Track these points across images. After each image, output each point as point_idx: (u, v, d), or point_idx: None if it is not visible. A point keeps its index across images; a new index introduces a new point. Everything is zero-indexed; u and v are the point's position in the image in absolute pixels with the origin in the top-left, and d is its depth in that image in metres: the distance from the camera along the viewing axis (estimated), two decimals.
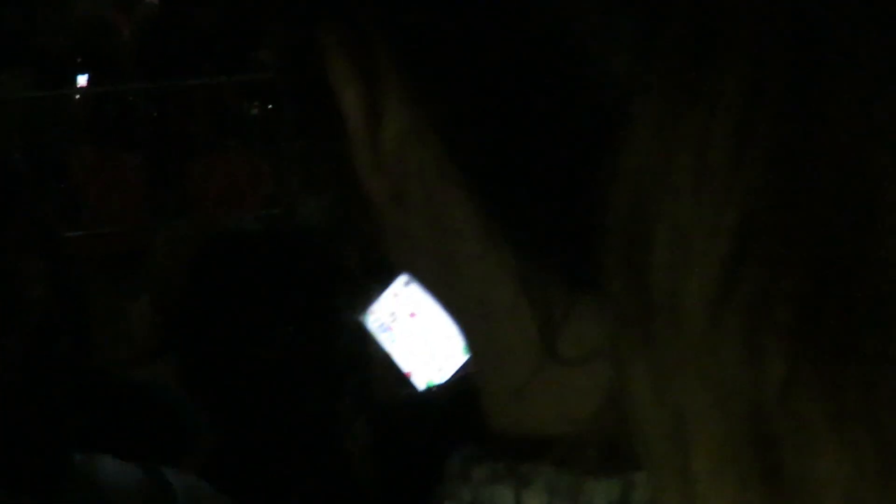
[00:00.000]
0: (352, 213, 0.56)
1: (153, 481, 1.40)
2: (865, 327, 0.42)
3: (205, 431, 2.05)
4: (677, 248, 0.44)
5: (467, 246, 0.53)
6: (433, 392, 2.45)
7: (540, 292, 0.51)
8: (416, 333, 2.52)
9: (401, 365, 2.50)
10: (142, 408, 2.06)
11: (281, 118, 6.48)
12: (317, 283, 2.03)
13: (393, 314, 2.53)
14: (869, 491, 0.41)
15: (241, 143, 6.54)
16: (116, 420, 1.92)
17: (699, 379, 0.42)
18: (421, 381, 2.60)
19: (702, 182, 0.44)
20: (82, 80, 6.77)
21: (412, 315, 2.56)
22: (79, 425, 1.36)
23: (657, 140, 0.44)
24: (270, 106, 6.80)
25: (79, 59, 6.76)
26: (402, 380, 2.49)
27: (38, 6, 7.33)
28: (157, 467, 1.44)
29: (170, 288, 2.16)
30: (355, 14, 0.51)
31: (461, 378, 2.44)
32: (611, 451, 0.47)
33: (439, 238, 0.55)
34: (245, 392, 1.99)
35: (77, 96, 6.91)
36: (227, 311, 1.98)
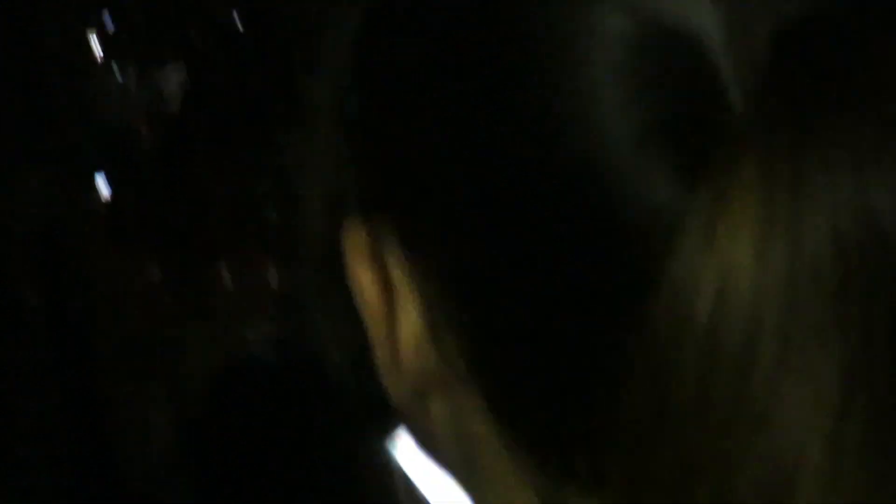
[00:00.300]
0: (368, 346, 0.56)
1: None
2: None
3: None
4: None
5: (488, 450, 0.53)
6: None
7: (559, 500, 0.50)
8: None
9: (426, 494, 2.44)
10: None
11: (302, 226, 6.46)
12: (337, 409, 1.99)
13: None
14: None
15: (262, 251, 6.54)
16: None
17: None
18: None
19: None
20: (103, 185, 6.80)
21: None
22: None
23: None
24: (291, 214, 6.81)
25: (102, 165, 6.81)
26: None
27: (54, 106, 7.40)
28: None
29: (190, 404, 2.12)
30: (373, 218, 0.48)
31: None
32: None
33: (460, 439, 0.54)
34: None
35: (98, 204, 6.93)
36: (247, 438, 1.95)
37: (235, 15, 9.76)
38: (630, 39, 0.47)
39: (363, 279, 0.53)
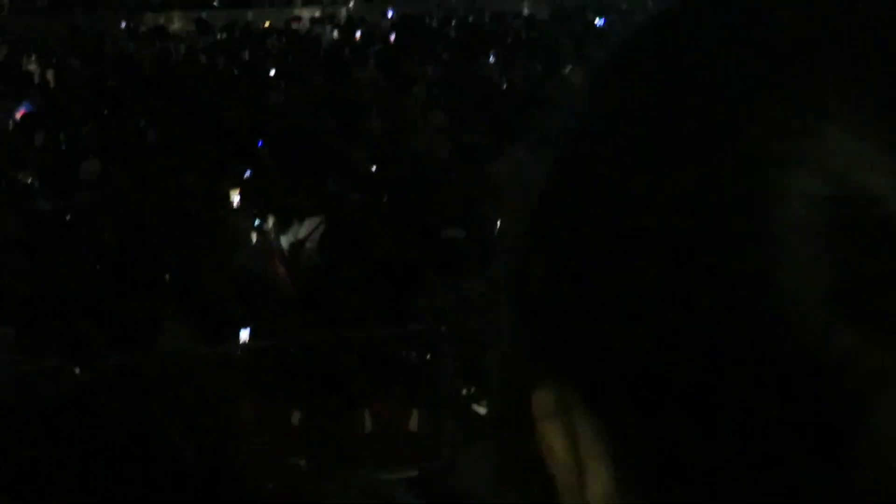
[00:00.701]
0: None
1: None
2: None
3: None
4: None
5: None
6: None
7: None
8: None
9: None
10: None
11: (440, 368, 6.46)
12: None
13: None
14: None
15: (402, 394, 6.52)
16: None
17: None
18: None
19: None
20: (244, 334, 6.85)
21: None
22: None
23: None
24: (429, 356, 6.81)
25: (240, 314, 6.88)
26: None
27: (199, 261, 7.53)
28: None
29: None
30: (560, 380, 0.52)
31: None
32: None
33: None
34: None
35: (239, 351, 6.99)
36: None
37: (373, 166, 9.95)
38: (822, 201, 0.48)
39: (552, 439, 0.54)
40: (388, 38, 16.54)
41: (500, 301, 0.59)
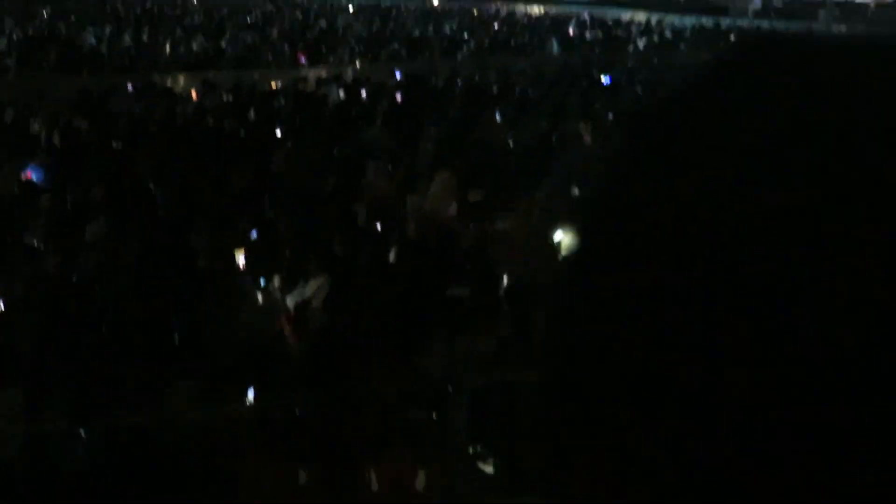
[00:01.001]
0: None
1: None
2: None
3: None
4: None
5: None
6: None
7: None
8: None
9: None
10: None
11: (448, 427, 6.44)
12: None
13: None
14: None
15: (409, 452, 6.50)
16: None
17: None
18: None
19: None
20: (251, 394, 6.83)
21: None
22: None
23: None
24: (436, 414, 6.79)
25: (247, 373, 6.87)
26: None
27: (205, 320, 7.53)
28: None
29: None
30: None
31: None
32: None
33: None
34: None
35: (246, 411, 6.97)
36: None
37: (378, 225, 9.96)
38: None
39: None
40: (394, 97, 16.61)
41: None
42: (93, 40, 23.97)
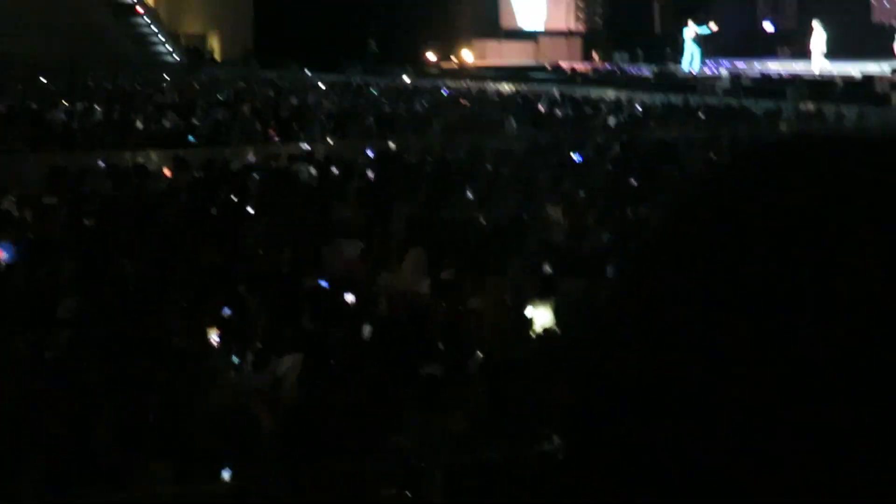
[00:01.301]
0: None
1: None
2: None
3: None
4: None
5: None
6: None
7: None
8: None
9: None
10: None
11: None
12: None
13: None
14: None
15: None
16: None
17: None
18: None
19: None
20: (226, 473, 6.80)
21: None
22: None
23: None
24: (408, 493, 6.76)
25: (221, 452, 6.84)
26: None
27: (178, 398, 7.50)
28: None
29: None
30: None
31: None
32: None
33: None
34: None
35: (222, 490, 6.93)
36: None
37: (352, 296, 9.96)
38: None
39: None
40: (365, 174, 16.66)
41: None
42: (63, 117, 24.01)
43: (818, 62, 35.65)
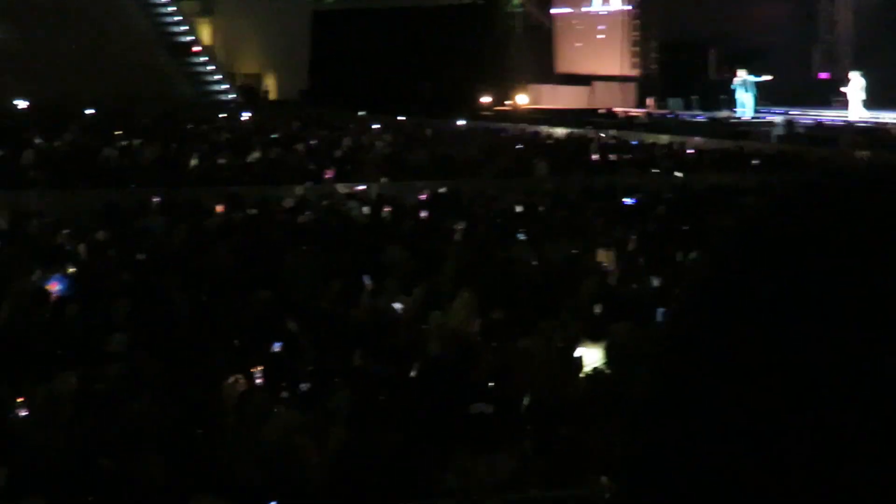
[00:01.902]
0: None
1: None
2: None
3: None
4: None
5: None
6: None
7: None
8: None
9: None
10: None
11: None
12: None
13: None
14: None
15: None
16: None
17: None
18: None
19: None
20: None
21: None
22: None
23: None
24: None
25: (268, 489, 6.83)
26: None
27: (226, 435, 7.50)
28: None
29: None
30: None
31: None
32: None
33: None
34: None
35: None
36: None
37: (401, 342, 9.96)
38: None
39: None
40: (418, 215, 16.69)
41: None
42: (117, 154, 24.23)
43: (856, 110, 35.80)
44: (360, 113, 40.50)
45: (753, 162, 24.57)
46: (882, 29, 42.36)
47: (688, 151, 26.76)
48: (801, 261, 0.59)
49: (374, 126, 34.08)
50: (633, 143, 29.16)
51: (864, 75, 36.51)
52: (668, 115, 39.17)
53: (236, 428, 7.74)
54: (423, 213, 16.84)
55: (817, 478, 0.55)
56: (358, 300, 11.35)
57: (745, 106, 37.67)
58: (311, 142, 27.97)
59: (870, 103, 35.72)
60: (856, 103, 36.27)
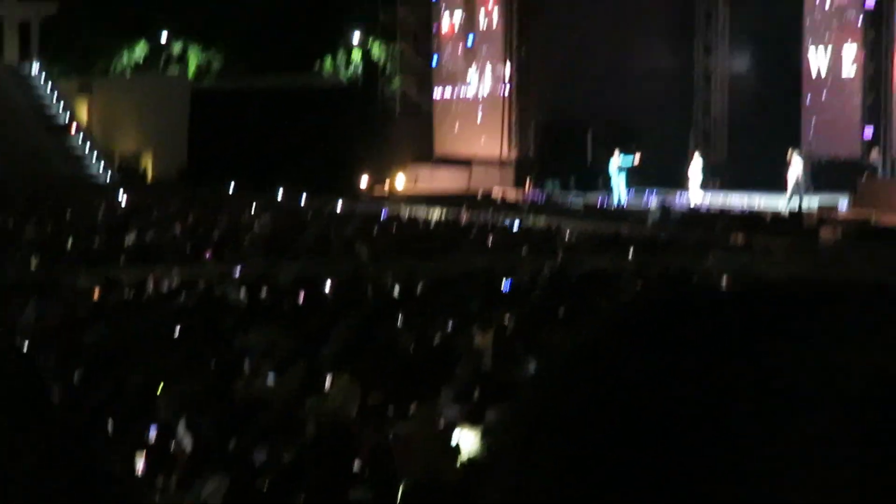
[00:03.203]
0: None
1: None
2: None
3: None
4: None
5: None
6: None
7: None
8: None
9: None
10: None
11: None
12: None
13: None
14: None
15: None
16: None
17: None
18: None
19: None
20: None
21: None
22: None
23: None
24: None
25: None
26: None
27: None
28: None
29: None
30: None
31: None
32: None
33: None
34: None
35: None
36: None
37: (277, 426, 9.91)
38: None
39: None
40: (296, 296, 16.65)
41: None
42: None
43: (695, 193, 36.82)
44: (239, 193, 40.35)
45: (629, 245, 24.86)
46: (755, 112, 43.29)
47: (565, 234, 27.01)
48: (658, 356, 0.63)
49: (253, 206, 33.96)
50: (511, 224, 29.39)
51: (702, 156, 37.58)
52: (546, 198, 39.52)
53: None
54: (301, 294, 16.80)
55: None
56: (234, 383, 11.28)
57: (620, 189, 38.17)
58: (189, 222, 27.79)
59: (745, 185, 36.37)
60: (695, 185, 37.26)
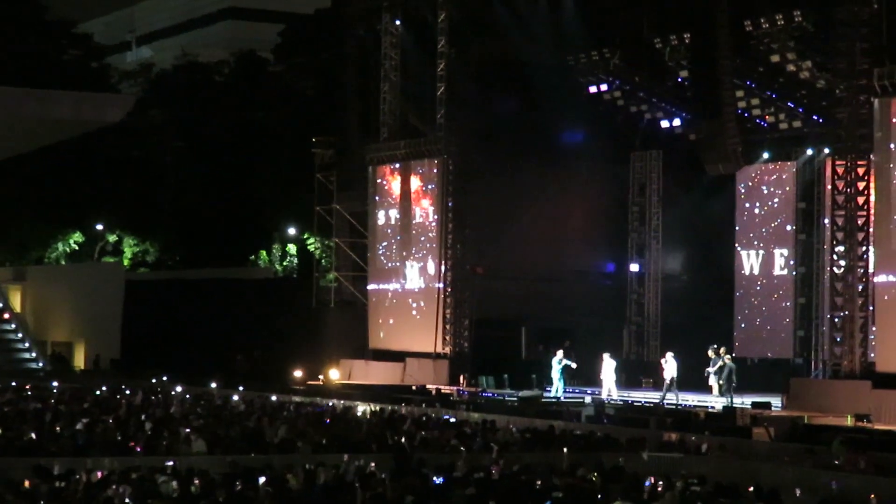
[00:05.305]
0: None
1: None
2: None
3: None
4: None
5: None
6: None
7: None
8: None
9: None
10: None
11: None
12: None
13: None
14: None
15: None
16: None
17: None
18: None
19: None
20: None
21: None
22: None
23: None
24: None
25: None
26: None
27: None
28: None
29: None
30: None
31: None
32: None
33: None
34: None
35: None
36: None
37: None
38: None
39: None
40: (230, 490, 16.52)
41: None
42: None
43: (610, 390, 37.73)
44: (172, 384, 40.11)
45: (563, 441, 24.92)
46: (686, 313, 43.91)
47: (498, 430, 27.00)
48: None
49: (186, 397, 33.76)
50: (446, 419, 29.37)
51: (613, 357, 38.39)
52: (480, 393, 39.56)
53: None
54: (236, 488, 16.67)
55: None
56: None
57: (556, 384, 38.44)
58: (121, 413, 27.59)
59: (678, 384, 36.71)
60: (609, 384, 37.90)
